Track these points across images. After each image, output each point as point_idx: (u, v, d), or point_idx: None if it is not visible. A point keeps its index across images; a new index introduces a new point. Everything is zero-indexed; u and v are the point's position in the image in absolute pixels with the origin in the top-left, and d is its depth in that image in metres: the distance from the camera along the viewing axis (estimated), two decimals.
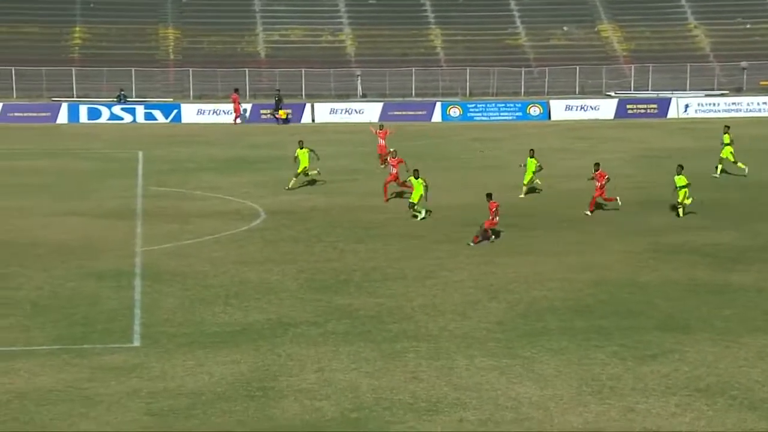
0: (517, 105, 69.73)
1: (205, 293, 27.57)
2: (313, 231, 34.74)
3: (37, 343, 23.56)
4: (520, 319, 25.55)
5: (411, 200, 35.84)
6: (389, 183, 39.17)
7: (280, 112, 65.53)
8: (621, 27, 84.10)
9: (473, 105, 69.47)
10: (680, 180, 36.63)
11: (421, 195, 35.70)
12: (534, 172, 40.40)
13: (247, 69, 75.77)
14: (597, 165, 38.14)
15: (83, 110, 65.57)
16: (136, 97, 72.12)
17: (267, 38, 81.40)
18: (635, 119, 67.49)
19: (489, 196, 33.49)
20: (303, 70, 75.95)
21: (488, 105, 69.63)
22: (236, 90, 67.75)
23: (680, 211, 36.76)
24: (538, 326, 24.95)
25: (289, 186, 41.19)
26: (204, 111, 66.90)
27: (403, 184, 38.53)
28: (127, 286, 28.18)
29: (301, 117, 66.87)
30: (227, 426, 19.23)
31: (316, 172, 42.08)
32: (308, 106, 68.16)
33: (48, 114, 65.59)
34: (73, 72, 74.13)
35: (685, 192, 36.59)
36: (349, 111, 67.87)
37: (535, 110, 68.98)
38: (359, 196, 40.23)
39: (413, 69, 76.92)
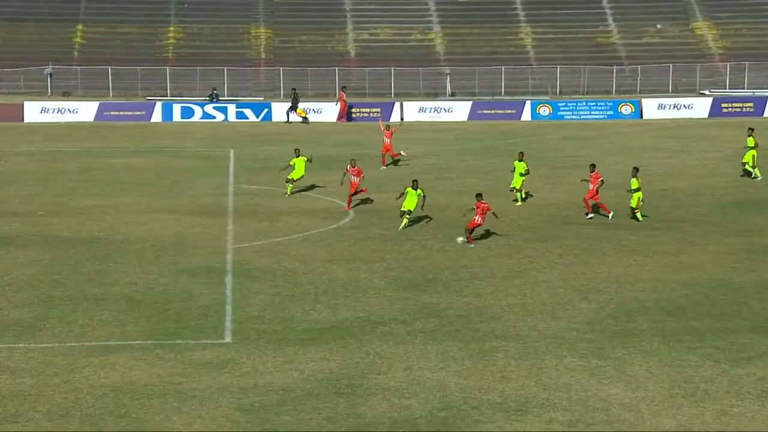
0: (608, 104, 68.92)
1: (295, 291, 27.78)
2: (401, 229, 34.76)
3: (131, 337, 23.97)
4: (611, 319, 25.26)
5: (403, 208, 34.80)
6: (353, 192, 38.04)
7: (298, 110, 65.65)
8: (716, 24, 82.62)
9: (563, 104, 68.86)
10: (634, 183, 35.37)
11: (416, 204, 34.67)
12: (522, 174, 38.53)
13: (336, 68, 76.21)
14: (593, 166, 36.54)
15: (177, 109, 66.61)
16: (227, 96, 73.04)
17: (357, 37, 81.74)
18: (730, 118, 66.20)
19: (479, 196, 32.77)
20: (392, 68, 76.11)
21: (579, 104, 68.93)
22: (344, 88, 68.20)
23: (638, 215, 35.45)
24: (629, 327, 24.64)
25: (288, 193, 40.34)
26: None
27: (356, 193, 37.84)
28: (218, 282, 28.54)
29: (390, 116, 67.00)
30: (316, 423, 19.35)
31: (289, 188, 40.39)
32: (397, 104, 68.28)
33: (143, 113, 66.74)
34: (167, 71, 75.36)
35: (640, 196, 35.34)
36: (438, 110, 67.81)
37: (626, 109, 68.11)
38: (448, 195, 40.17)
39: (503, 67, 76.55)
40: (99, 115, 65.85)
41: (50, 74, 74.24)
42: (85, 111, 65.94)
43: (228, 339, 23.95)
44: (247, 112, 67.04)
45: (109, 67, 74.77)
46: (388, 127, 48.92)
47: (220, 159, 50.68)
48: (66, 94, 73.75)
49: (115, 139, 57.72)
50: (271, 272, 29.50)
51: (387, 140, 47.60)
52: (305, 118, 65.31)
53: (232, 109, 67.04)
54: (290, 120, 64.99)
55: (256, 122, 65.87)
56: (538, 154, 51.24)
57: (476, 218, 32.40)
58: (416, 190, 34.59)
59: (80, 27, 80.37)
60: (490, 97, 73.39)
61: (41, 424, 19.07)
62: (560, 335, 24.06)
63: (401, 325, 24.91)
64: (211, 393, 20.61)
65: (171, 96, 72.88)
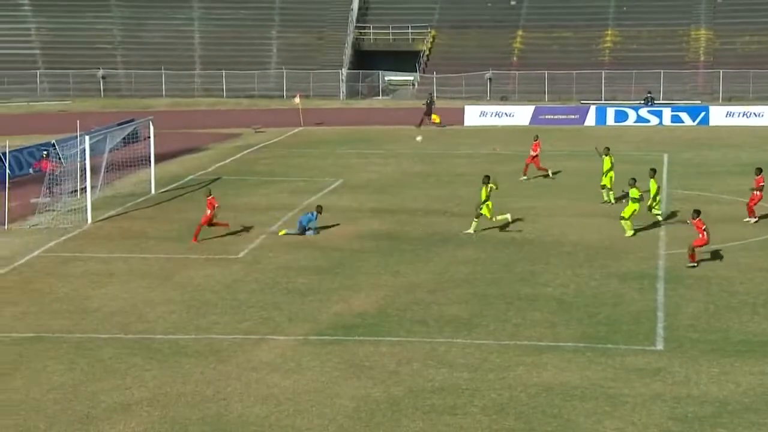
0: None
1: (731, 300, 26.79)
2: None
3: (562, 339, 24.22)
4: None
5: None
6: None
7: (433, 116, 63.43)
8: None
9: None
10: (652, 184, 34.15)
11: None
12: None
13: None
14: (759, 170, 35.26)
15: (610, 113, 66.47)
16: (662, 99, 71.83)
17: None
18: None
19: (696, 213, 30.24)
20: None
21: None
22: None
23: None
24: None
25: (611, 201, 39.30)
26: (733, 113, 65.04)
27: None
28: (649, 288, 28.14)
29: None
30: None
31: None
32: None
33: (576, 116, 67.27)
34: (602, 75, 75.42)
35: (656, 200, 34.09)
36: None
37: None
38: None
39: None
40: (534, 119, 67.16)
41: (489, 79, 76.88)
42: (520, 115, 67.52)
43: (660, 346, 23.55)
44: (683, 115, 65.54)
45: (546, 72, 76.08)
46: (536, 138, 46.52)
47: (653, 163, 49.73)
48: (503, 98, 75.98)
49: (548, 141, 58.45)
50: (706, 280, 28.65)
51: (532, 152, 45.23)
52: (439, 123, 63.74)
53: (667, 113, 65.84)
54: (444, 125, 63.81)
55: (693, 126, 64.18)
56: None
57: (700, 236, 29.94)
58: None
59: (520, 33, 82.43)
60: None
61: (478, 418, 19.74)
62: None
63: None
64: (643, 400, 20.36)
65: (605, 99, 72.82)
